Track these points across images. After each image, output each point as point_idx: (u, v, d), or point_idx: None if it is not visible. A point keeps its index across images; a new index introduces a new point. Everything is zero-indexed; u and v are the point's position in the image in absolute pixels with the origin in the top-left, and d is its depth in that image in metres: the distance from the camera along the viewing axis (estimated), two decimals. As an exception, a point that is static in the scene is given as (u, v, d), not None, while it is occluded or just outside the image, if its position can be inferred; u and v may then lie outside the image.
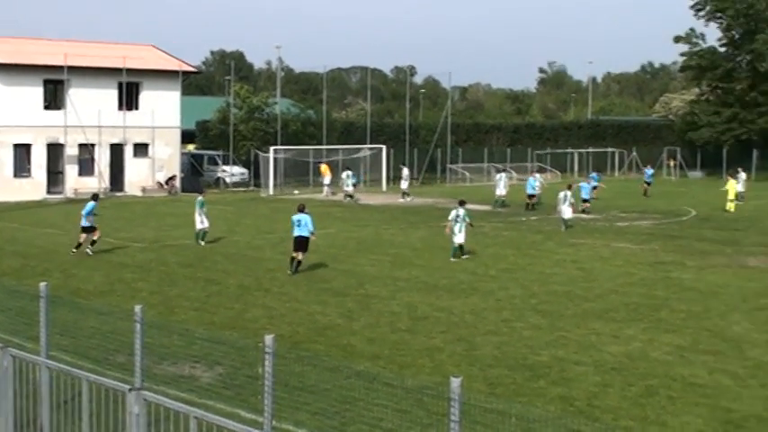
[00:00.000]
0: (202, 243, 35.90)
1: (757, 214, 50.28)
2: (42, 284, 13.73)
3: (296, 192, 65.41)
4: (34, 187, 60.64)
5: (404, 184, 61.92)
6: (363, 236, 39.91)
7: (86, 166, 63.21)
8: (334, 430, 13.80)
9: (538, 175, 58.51)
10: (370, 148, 73.55)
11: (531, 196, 52.70)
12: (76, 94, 62.13)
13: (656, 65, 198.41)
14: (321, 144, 73.30)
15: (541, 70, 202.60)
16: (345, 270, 30.15)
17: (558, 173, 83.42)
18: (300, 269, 29.34)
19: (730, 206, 52.24)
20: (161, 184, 65.72)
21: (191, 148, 78.25)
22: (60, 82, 61.68)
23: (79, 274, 29.15)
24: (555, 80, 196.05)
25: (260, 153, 68.90)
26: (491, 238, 38.49)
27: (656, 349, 19.56)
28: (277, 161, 67.56)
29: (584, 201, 50.35)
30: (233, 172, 71.90)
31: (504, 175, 57.66)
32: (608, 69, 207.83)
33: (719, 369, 18.02)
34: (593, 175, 61.63)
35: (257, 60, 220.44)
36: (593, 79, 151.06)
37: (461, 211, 33.07)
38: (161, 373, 15.98)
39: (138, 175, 65.28)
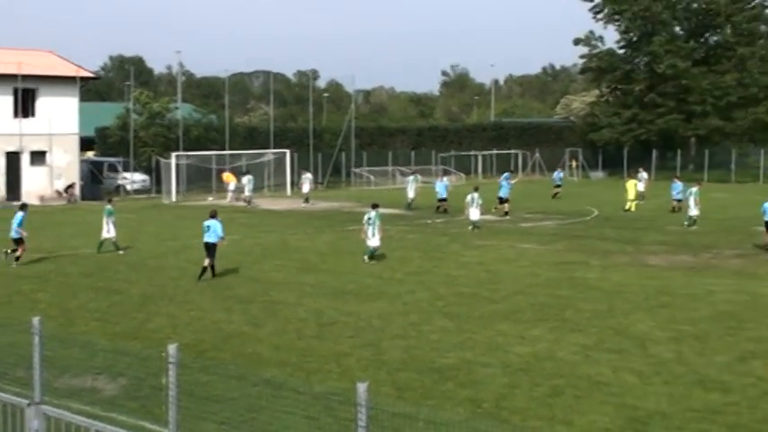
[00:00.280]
0: (121, 252, 35.52)
1: (656, 214, 51.29)
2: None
3: (210, 198, 64.64)
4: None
5: (305, 189, 61.60)
6: (269, 242, 39.69)
7: (-19, 176, 61.82)
8: (241, 440, 13.67)
9: (446, 179, 58.73)
10: (274, 153, 73.30)
11: (442, 200, 52.65)
12: (-30, 101, 60.73)
13: (557, 67, 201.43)
14: (224, 149, 72.79)
15: (444, 73, 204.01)
16: (251, 276, 29.94)
17: (463, 175, 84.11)
18: (205, 277, 29.07)
19: (630, 206, 53.25)
20: (60, 193, 64.52)
21: (90, 155, 77.08)
22: (-47, 88, 60.23)
23: (-25, 286, 28.44)
24: (458, 83, 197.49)
25: (161, 159, 68.12)
26: (397, 242, 38.58)
27: (562, 349, 19.78)
28: (179, 167, 66.86)
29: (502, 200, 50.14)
30: (134, 179, 70.99)
31: (412, 178, 57.87)
32: (510, 72, 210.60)
33: (624, 367, 18.29)
34: (506, 174, 62.18)
35: (157, 65, 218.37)
36: (496, 82, 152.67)
37: (373, 214, 33.10)
38: (62, 387, 15.66)
39: (35, 184, 63.94)
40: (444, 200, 52.50)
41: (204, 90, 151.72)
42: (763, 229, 36.70)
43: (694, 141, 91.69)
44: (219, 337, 21.04)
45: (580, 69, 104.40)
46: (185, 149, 70.23)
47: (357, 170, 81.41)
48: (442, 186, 53.28)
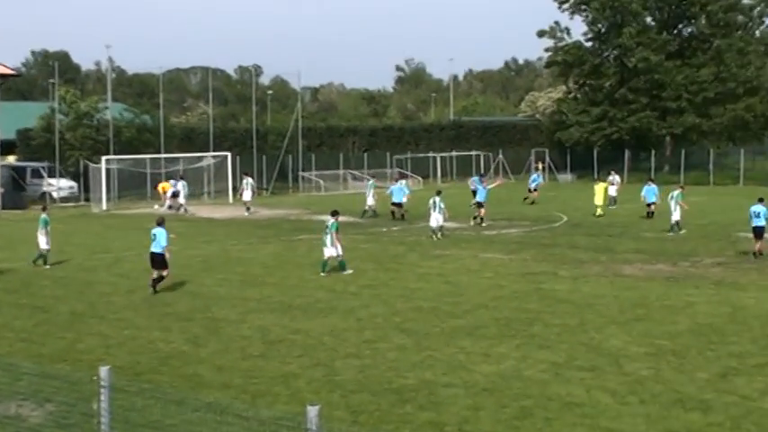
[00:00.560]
0: (47, 267, 35.17)
1: (630, 219, 51.55)
2: None
3: (156, 206, 63.55)
4: None
5: (246, 197, 60.57)
6: (209, 253, 39.51)
7: None
8: (181, 470, 13.57)
9: (404, 182, 58.69)
10: (214, 156, 73.01)
11: (397, 204, 52.52)
12: None
13: (521, 61, 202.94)
14: (159, 152, 72.41)
15: (399, 68, 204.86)
16: (190, 291, 29.80)
17: (420, 179, 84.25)
18: (137, 290, 28.90)
19: (598, 211, 53.35)
20: (-22, 201, 63.86)
21: (11, 159, 76.20)
22: None
23: None
24: (413, 79, 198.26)
25: (90, 164, 67.61)
26: (349, 252, 38.42)
27: (529, 367, 19.84)
28: (110, 172, 66.42)
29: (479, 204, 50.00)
30: (60, 185, 70.29)
31: (371, 182, 57.89)
32: (470, 66, 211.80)
33: (597, 386, 18.38)
34: (475, 178, 62.34)
35: (85, 61, 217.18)
36: (455, 77, 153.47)
37: (330, 222, 33.10)
38: (-17, 415, 15.47)
39: (-50, 192, 63.30)
40: (399, 204, 52.29)
41: (137, 88, 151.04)
42: (749, 234, 37.07)
43: (669, 140, 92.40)
44: (157, 358, 20.91)
45: (545, 63, 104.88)
46: (116, 153, 69.78)
47: (305, 174, 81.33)
48: (397, 190, 52.92)
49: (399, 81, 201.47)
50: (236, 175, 71.25)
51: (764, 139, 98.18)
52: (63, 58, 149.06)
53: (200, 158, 72.48)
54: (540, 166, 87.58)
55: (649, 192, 51.43)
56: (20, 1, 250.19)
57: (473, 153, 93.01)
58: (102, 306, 27.52)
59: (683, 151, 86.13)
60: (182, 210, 59.41)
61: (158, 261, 29.62)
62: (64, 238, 44.76)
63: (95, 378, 10.54)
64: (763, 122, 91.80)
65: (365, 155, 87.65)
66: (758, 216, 36.49)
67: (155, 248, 29.68)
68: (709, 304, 26.86)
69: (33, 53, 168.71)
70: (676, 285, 30.14)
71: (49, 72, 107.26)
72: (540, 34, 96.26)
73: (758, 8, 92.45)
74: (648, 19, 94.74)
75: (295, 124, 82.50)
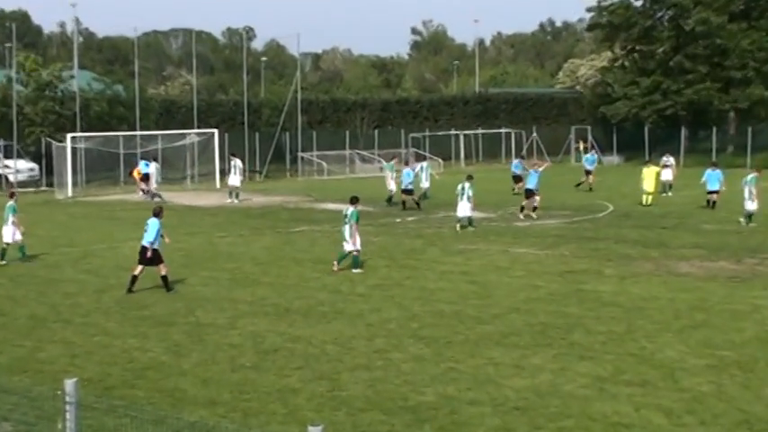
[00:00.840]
0: (3, 262, 35.29)
1: (688, 208, 51.47)
2: None
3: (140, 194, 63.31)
4: None
5: (233, 181, 60.12)
6: (192, 247, 39.54)
7: None
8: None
9: (424, 164, 58.77)
10: (198, 134, 73.07)
11: (408, 192, 52.35)
12: None
13: (558, 23, 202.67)
14: (134, 129, 72.52)
15: (415, 31, 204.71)
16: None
17: (440, 161, 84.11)
18: (108, 289, 28.94)
19: (648, 199, 53.12)
20: None
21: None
22: None
23: None
24: (432, 44, 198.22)
25: (54, 142, 67.73)
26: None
27: (569, 381, 19.81)
28: (76, 152, 66.54)
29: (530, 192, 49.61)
30: (19, 167, 70.45)
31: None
32: (498, 29, 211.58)
33: (649, 404, 18.34)
34: (517, 161, 62.23)
35: (47, 22, 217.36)
36: (481, 42, 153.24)
37: (349, 211, 33.09)
38: (-71, 435, 15.50)
39: None
40: (410, 191, 52.30)
41: (108, 54, 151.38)
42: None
43: (733, 116, 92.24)
44: (131, 370, 20.93)
45: (587, 26, 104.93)
46: (84, 129, 69.95)
47: (305, 155, 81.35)
48: (407, 175, 52.53)
49: (416, 46, 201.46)
50: (225, 156, 71.21)
51: None
52: (21, 18, 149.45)
53: (182, 136, 72.60)
54: (582, 146, 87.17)
55: (712, 177, 50.92)
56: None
57: (502, 131, 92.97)
58: (67, 309, 27.55)
59: (749, 129, 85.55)
60: (154, 197, 59.13)
61: (144, 257, 29.70)
62: (23, 230, 44.87)
63: (59, 393, 10.54)
64: None
65: (375, 133, 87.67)
66: None
67: (144, 241, 29.85)
68: (781, 308, 26.84)
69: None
70: (741, 286, 30.08)
71: (6, 35, 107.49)
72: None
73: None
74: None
75: (293, 97, 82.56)
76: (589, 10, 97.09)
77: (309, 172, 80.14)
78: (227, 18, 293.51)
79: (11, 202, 36.42)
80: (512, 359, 21.51)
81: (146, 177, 62.08)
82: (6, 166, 69.85)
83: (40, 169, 70.98)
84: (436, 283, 31.03)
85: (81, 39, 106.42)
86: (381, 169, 57.01)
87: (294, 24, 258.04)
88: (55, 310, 27.31)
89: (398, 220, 48.11)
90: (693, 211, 50.28)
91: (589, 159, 65.91)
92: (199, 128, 74.49)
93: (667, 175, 59.43)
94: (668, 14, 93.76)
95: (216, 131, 71.93)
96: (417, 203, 51.96)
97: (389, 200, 54.72)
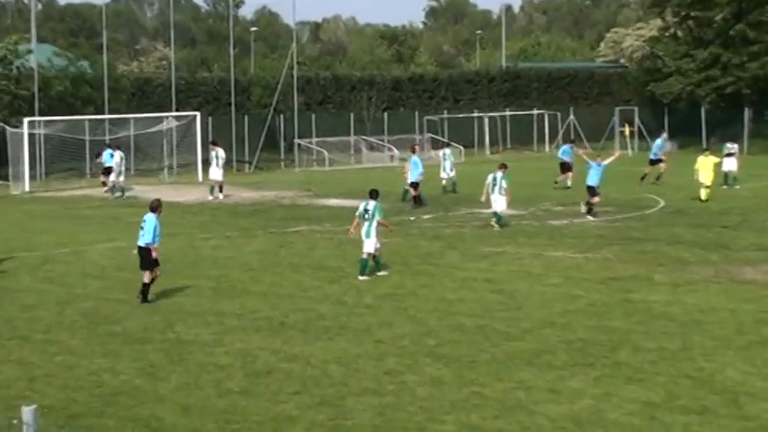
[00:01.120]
0: None
1: (752, 204, 51.37)
2: None
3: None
4: None
5: (214, 174, 59.40)
6: (171, 251, 39.46)
7: None
8: None
9: (448, 151, 58.89)
10: (178, 117, 73.07)
11: (414, 185, 52.35)
12: None
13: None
14: (102, 112, 72.58)
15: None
16: (145, 304, 29.83)
17: (461, 148, 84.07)
18: (72, 301, 28.97)
19: (705, 193, 52.65)
20: None
21: None
22: None
23: None
24: (451, 11, 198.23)
25: (7, 128, 67.80)
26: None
27: (614, 408, 19.78)
28: (35, 139, 66.58)
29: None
30: (-33, 158, 70.70)
31: (448, 151, 58.41)
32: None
33: (708, 434, 18.35)
34: (566, 147, 62.06)
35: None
36: (508, 9, 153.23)
37: (371, 205, 33.09)
38: None
39: None
40: (416, 185, 52.44)
41: (71, 24, 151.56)
42: None
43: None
44: (100, 396, 20.92)
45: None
46: (44, 113, 69.97)
47: (302, 142, 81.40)
48: (414, 164, 52.50)
49: (432, 14, 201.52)
50: (208, 144, 71.26)
51: None
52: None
53: (158, 120, 72.56)
54: (628, 130, 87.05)
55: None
56: None
57: (534, 112, 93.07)
58: (24, 323, 27.54)
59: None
60: (116, 193, 58.94)
61: (146, 259, 29.73)
62: (-28, 231, 45.01)
63: (15, 422, 10.52)
64: None
65: (385, 115, 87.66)
66: None
67: (141, 241, 29.79)
68: None
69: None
70: (817, 295, 30.07)
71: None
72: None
73: None
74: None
75: (288, 73, 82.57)
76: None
77: (308, 162, 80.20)
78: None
79: None
80: (546, 382, 21.48)
81: (107, 171, 61.54)
82: (-47, 156, 70.13)
83: (-7, 159, 71.14)
84: (457, 292, 30.99)
85: (40, 6, 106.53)
86: (442, 156, 57.18)
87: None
88: (10, 325, 27.29)
89: (412, 218, 48.04)
90: (759, 207, 50.18)
91: (659, 146, 64.86)
92: (178, 110, 74.59)
93: (731, 164, 58.72)
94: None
95: (198, 114, 71.93)
96: (416, 200, 51.67)
97: (445, 189, 55.97)
